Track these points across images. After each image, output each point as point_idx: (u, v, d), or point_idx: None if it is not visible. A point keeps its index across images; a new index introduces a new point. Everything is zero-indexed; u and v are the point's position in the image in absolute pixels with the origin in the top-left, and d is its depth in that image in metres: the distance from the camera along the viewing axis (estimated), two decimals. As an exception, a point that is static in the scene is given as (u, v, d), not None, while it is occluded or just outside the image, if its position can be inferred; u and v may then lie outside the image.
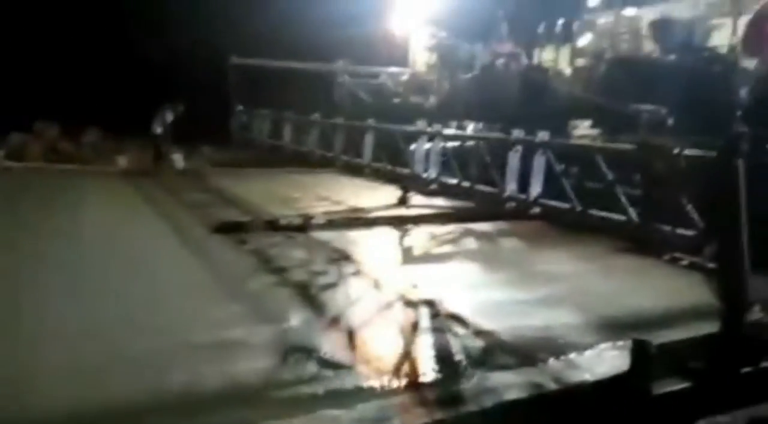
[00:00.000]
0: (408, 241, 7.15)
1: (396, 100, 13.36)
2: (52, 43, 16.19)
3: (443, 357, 3.61)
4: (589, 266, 5.85)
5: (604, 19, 11.12)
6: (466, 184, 5.63)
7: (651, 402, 3.30)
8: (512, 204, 5.02)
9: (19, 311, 4.18)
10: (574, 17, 14.33)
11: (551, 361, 3.60)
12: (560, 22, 11.56)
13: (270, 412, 2.93)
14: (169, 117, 12.42)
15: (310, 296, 4.75)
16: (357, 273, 5.50)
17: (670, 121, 5.49)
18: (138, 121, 13.58)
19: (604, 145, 4.28)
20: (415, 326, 4.08)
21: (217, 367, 3.42)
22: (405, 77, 14.77)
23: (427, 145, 6.88)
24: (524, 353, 3.75)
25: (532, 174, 4.73)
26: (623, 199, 3.92)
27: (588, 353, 3.74)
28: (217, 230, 7.09)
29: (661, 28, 8.48)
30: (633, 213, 3.86)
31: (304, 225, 7.35)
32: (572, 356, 3.66)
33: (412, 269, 5.85)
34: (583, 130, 9.63)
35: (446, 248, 6.92)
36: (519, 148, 5.05)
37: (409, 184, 7.33)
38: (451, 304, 4.56)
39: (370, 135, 7.75)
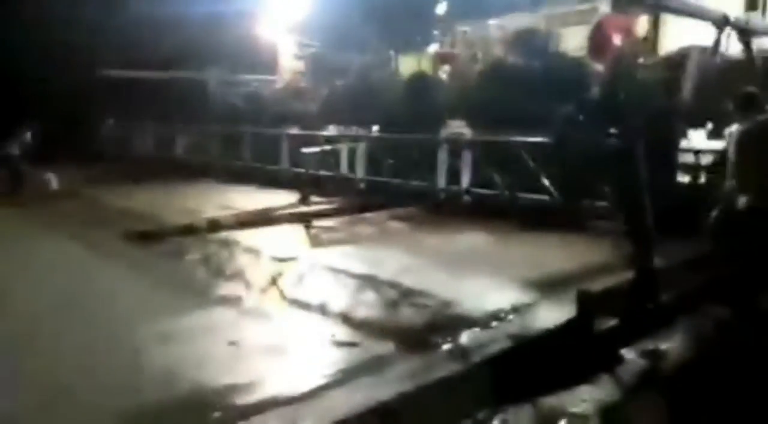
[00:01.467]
0: (333, 232, 7.73)
1: (276, 107, 13.68)
2: None
3: (435, 323, 4.27)
4: (499, 239, 6.90)
5: (465, 29, 12.47)
6: (396, 181, 6.29)
7: (594, 338, 4.25)
8: (443, 195, 5.78)
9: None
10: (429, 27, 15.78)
11: (514, 316, 4.43)
12: (435, 32, 12.66)
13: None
14: (27, 138, 11.57)
15: (286, 294, 5.17)
16: (309, 265, 5.95)
17: (581, 118, 6.65)
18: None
19: (527, 140, 5.16)
20: (396, 303, 4.69)
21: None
22: (279, 85, 15.11)
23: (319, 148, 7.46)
24: (486, 313, 4.55)
25: (462, 168, 5.52)
26: (546, 182, 4.84)
27: (537, 306, 4.63)
28: (135, 238, 7.06)
29: (524, 37, 9.86)
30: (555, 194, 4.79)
31: (226, 226, 7.63)
32: (528, 310, 4.53)
33: (350, 256, 6.36)
34: (456, 128, 10.93)
35: (370, 236, 7.59)
36: (446, 146, 5.82)
37: (337, 186, 7.87)
38: (408, 283, 5.25)
39: (285, 142, 8.12)
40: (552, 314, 4.45)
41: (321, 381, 3.53)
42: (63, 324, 4.50)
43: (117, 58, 13.19)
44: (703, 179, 7.74)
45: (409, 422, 3.34)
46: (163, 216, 8.55)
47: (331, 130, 10.70)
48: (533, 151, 5.06)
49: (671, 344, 4.60)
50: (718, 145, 7.77)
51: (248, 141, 9.26)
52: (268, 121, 12.74)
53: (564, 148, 4.88)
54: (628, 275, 4.65)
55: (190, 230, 7.55)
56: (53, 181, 11.60)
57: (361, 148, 6.79)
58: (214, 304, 4.82)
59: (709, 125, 8.29)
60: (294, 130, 8.30)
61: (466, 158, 5.56)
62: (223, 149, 10.75)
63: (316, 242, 7.29)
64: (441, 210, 7.64)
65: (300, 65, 15.88)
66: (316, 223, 8.28)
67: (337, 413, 3.10)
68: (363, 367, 3.69)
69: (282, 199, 9.70)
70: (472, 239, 7.04)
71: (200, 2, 15.26)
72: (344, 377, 3.57)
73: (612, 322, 4.37)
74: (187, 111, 13.48)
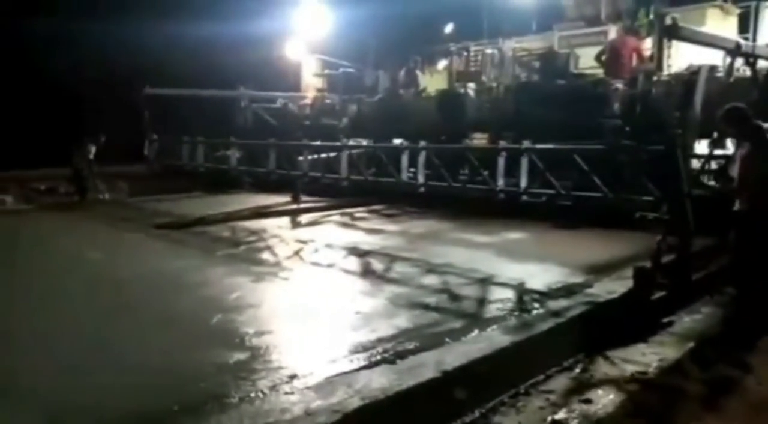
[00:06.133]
0: (387, 232, 8.81)
1: (306, 122, 14.62)
2: None
3: (522, 297, 5.23)
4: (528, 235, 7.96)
5: (478, 48, 13.63)
6: (456, 185, 7.25)
7: (650, 305, 5.23)
8: (502, 196, 6.75)
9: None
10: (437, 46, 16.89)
11: (580, 291, 5.40)
12: (467, 52, 13.68)
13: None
14: (92, 149, 12.45)
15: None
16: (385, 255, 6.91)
17: (627, 129, 7.67)
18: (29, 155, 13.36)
19: (581, 147, 6.09)
20: (483, 282, 5.64)
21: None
22: (307, 101, 16.04)
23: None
24: (551, 290, 5.52)
25: (520, 172, 6.50)
26: (598, 181, 5.83)
27: (596, 283, 5.61)
28: (164, 227, 9.18)
29: (547, 57, 10.92)
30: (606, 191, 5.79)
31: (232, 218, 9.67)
32: (590, 285, 5.50)
33: (414, 250, 7.33)
34: (477, 140, 12.02)
35: (423, 235, 8.59)
36: (504, 153, 6.80)
37: (397, 189, 8.77)
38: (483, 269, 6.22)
39: (344, 153, 9.03)
40: (611, 287, 5.44)
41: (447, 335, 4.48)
42: (128, 272, 6.62)
43: (158, 78, 14.08)
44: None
45: (516, 367, 4.28)
46: (187, 215, 10.15)
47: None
48: (585, 157, 6.04)
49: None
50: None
51: (306, 154, 10.12)
52: (301, 135, 13.71)
53: (615, 153, 5.85)
54: (669, 258, 5.62)
55: (203, 221, 9.52)
56: (105, 192, 12.56)
57: (422, 156, 7.71)
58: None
59: (714, 135, 9.40)
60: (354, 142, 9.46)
61: (524, 164, 6.53)
62: (255, 161, 11.77)
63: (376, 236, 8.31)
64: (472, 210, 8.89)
65: (323, 82, 16.92)
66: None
67: (471, 355, 4.03)
68: (475, 325, 4.65)
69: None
70: (517, 236, 8.08)
71: (230, 26, 16.25)
72: (463, 333, 4.53)
73: (662, 293, 5.35)
74: (218, 127, 14.49)
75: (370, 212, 10.84)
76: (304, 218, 10.53)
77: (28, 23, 14.84)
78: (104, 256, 7.54)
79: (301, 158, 10.56)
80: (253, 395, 3.61)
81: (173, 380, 3.82)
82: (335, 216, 10.62)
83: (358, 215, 10.68)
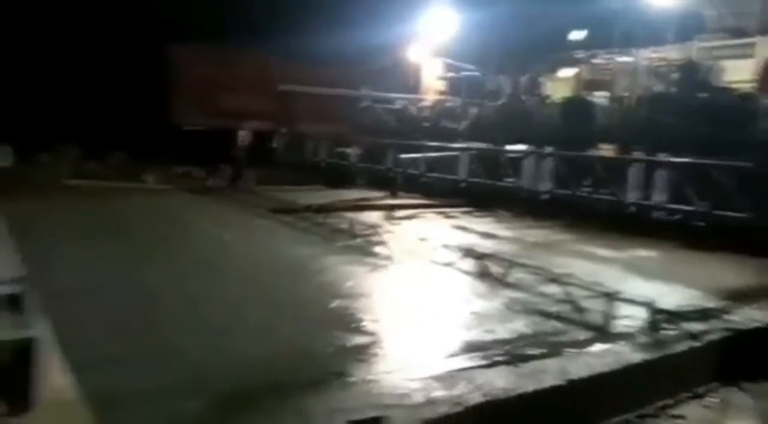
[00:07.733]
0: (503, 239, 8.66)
1: (425, 124, 14.76)
2: (70, 66, 16.50)
3: (653, 314, 4.92)
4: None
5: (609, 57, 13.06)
6: (582, 193, 6.98)
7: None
8: (633, 209, 6.40)
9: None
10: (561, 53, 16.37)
11: (718, 315, 5.00)
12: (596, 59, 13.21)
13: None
14: (248, 138, 13.45)
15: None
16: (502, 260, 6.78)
17: None
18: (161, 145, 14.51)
19: (723, 163, 5.66)
20: (609, 296, 5.36)
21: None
22: (426, 103, 16.18)
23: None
24: (684, 311, 5.14)
25: (653, 186, 6.14)
26: (741, 200, 5.37)
27: (735, 309, 5.17)
28: (278, 211, 9.87)
29: (688, 69, 10.25)
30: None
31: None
32: (727, 311, 5.08)
33: (531, 258, 7.12)
34: (604, 151, 11.47)
35: (537, 244, 8.36)
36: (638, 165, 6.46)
37: (520, 196, 8.59)
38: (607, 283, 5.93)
39: (465, 155, 8.97)
40: (752, 315, 5.01)
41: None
42: (259, 253, 7.20)
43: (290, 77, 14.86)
44: None
45: (644, 386, 4.04)
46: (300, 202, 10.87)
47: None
48: (728, 174, 5.59)
49: None
50: None
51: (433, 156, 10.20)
52: (419, 136, 13.90)
53: (764, 171, 5.36)
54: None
55: (312, 209, 10.12)
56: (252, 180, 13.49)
57: (548, 162, 7.49)
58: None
59: None
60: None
61: (660, 177, 6.15)
62: (373, 159, 12.02)
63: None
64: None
65: (443, 85, 16.97)
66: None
67: (597, 368, 3.86)
68: (601, 339, 4.45)
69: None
70: (645, 253, 7.64)
71: (357, 29, 16.67)
72: (587, 345, 4.34)
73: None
74: (348, 123, 15.07)
75: (483, 214, 10.72)
76: (417, 216, 10.66)
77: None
78: (235, 237, 8.11)
79: (419, 156, 10.68)
80: (371, 377, 3.67)
81: (297, 357, 3.97)
82: (449, 217, 10.65)
83: (471, 217, 10.62)
